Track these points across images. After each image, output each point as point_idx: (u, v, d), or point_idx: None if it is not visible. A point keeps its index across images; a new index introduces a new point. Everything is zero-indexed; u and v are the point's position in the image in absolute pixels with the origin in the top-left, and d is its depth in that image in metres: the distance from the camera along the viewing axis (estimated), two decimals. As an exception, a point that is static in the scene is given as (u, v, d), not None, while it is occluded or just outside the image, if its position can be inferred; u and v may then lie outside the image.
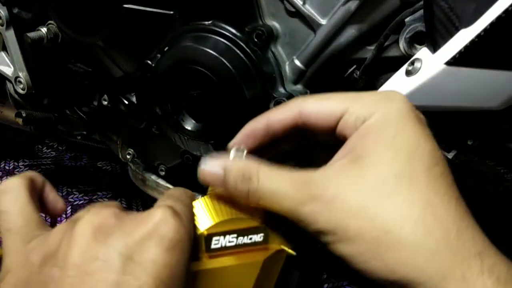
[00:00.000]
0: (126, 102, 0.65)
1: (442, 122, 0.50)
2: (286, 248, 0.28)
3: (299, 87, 0.53)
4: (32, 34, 0.65)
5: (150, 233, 0.22)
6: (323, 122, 0.28)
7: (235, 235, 0.27)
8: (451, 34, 0.36)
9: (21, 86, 0.71)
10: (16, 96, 0.73)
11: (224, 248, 0.27)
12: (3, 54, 0.74)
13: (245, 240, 0.27)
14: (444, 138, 0.54)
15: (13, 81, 0.72)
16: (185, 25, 0.54)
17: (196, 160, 0.63)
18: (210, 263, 0.26)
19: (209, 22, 0.52)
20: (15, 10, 0.68)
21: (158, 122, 0.62)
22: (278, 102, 0.51)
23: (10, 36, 0.69)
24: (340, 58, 0.49)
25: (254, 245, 0.27)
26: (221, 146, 0.58)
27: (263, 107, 0.52)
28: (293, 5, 0.49)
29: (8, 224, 0.23)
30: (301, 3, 0.48)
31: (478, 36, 0.34)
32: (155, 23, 0.55)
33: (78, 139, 1.22)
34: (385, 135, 0.24)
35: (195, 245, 0.26)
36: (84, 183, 1.31)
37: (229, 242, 0.27)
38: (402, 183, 0.23)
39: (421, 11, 0.41)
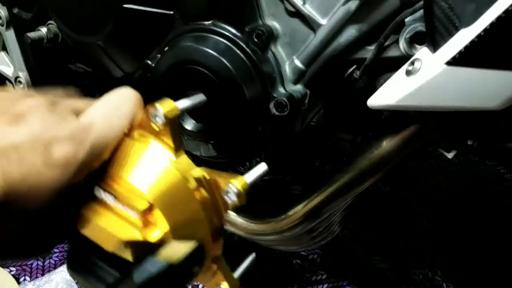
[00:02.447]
0: (126, 102, 0.65)
1: (442, 122, 0.50)
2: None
3: (299, 87, 0.53)
4: (32, 34, 0.65)
5: (43, 141, 0.27)
6: None
7: (113, 197, 0.28)
8: (451, 34, 0.36)
9: (21, 86, 0.71)
10: (16, 96, 0.73)
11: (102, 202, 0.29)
12: (3, 54, 0.74)
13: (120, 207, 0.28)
14: (444, 138, 0.54)
15: (13, 81, 0.72)
16: (185, 25, 0.54)
17: (196, 160, 0.63)
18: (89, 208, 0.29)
19: (209, 22, 0.52)
20: (15, 10, 0.68)
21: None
22: (278, 102, 0.51)
23: (10, 36, 0.69)
24: (340, 58, 0.49)
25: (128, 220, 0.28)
26: (221, 146, 0.58)
27: (263, 107, 0.52)
28: (293, 5, 0.49)
29: None
30: (301, 3, 0.48)
31: (478, 36, 0.34)
32: (155, 23, 0.55)
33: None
34: None
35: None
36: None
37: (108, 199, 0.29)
38: None
39: (421, 11, 0.41)
